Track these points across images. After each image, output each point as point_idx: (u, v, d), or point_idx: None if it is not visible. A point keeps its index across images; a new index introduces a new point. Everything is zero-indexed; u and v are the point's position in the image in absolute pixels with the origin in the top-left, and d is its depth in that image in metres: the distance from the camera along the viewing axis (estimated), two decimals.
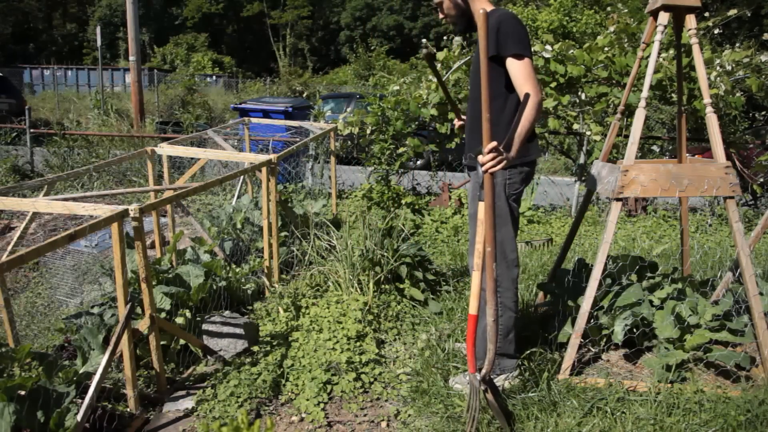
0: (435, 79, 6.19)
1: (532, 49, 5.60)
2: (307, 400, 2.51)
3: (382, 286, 3.49)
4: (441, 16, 2.66)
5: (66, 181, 6.31)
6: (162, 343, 2.73)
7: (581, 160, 6.34)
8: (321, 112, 7.18)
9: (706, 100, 2.63)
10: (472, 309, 2.21)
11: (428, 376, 2.66)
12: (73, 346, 2.69)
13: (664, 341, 2.68)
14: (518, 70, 2.39)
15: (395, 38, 37.77)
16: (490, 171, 2.21)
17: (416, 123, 6.24)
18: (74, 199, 2.70)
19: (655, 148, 6.61)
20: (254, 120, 6.35)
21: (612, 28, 5.77)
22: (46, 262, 4.51)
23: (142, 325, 2.48)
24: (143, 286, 2.43)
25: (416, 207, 5.78)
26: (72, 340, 2.77)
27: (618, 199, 2.59)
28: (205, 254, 3.54)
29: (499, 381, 2.57)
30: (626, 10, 6.61)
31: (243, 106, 8.27)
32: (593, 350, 2.93)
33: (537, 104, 2.36)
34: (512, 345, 2.60)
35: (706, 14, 6.47)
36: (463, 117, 2.86)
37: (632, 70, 2.97)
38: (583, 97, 5.85)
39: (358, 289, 3.44)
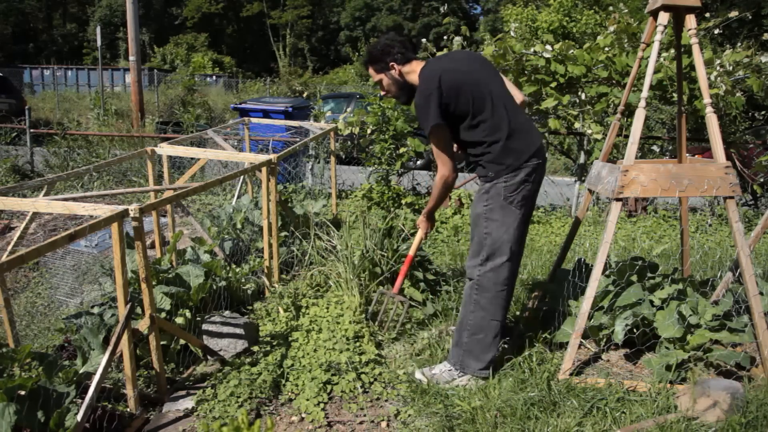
0: None
1: (533, 50, 5.65)
2: (307, 400, 2.51)
3: (383, 286, 3.49)
4: (383, 93, 2.82)
5: (66, 181, 6.31)
6: (162, 343, 2.73)
7: (581, 160, 6.34)
8: (321, 112, 7.17)
9: (706, 100, 2.63)
10: (411, 251, 3.10)
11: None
12: (73, 346, 2.69)
13: (665, 341, 2.68)
14: (432, 144, 2.60)
15: None
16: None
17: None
18: (74, 199, 2.69)
19: (655, 148, 6.61)
20: (254, 120, 6.34)
21: (612, 28, 5.77)
22: (46, 262, 4.51)
23: (142, 325, 2.47)
24: (143, 286, 2.43)
25: (416, 207, 5.78)
26: (72, 340, 2.77)
27: (618, 199, 2.59)
28: (205, 254, 3.54)
29: (464, 380, 2.58)
30: (626, 10, 6.61)
31: (243, 106, 8.26)
32: (593, 350, 2.93)
33: (441, 182, 2.66)
34: (481, 346, 2.59)
35: (707, 14, 6.47)
36: None
37: (632, 70, 2.97)
38: (583, 96, 5.85)
39: (359, 290, 3.44)
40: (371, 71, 2.79)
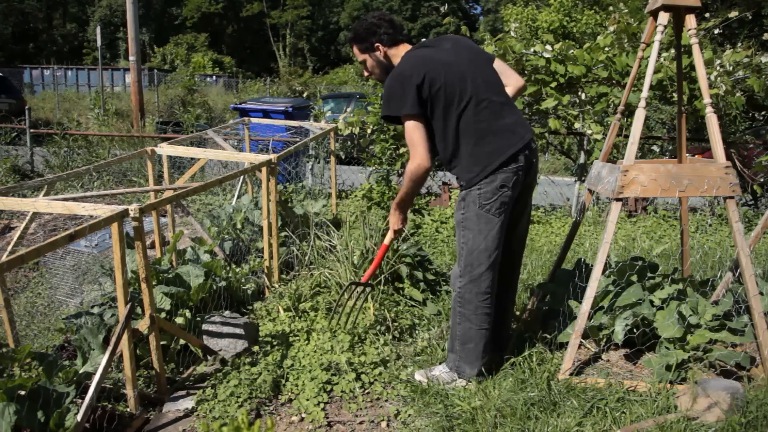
0: None
1: (533, 50, 5.65)
2: (307, 400, 2.51)
3: (382, 286, 3.49)
4: (366, 74, 2.73)
5: (66, 181, 6.31)
6: (162, 343, 2.72)
7: (581, 160, 6.34)
8: (321, 112, 7.17)
9: (706, 100, 2.63)
10: (386, 240, 2.81)
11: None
12: (73, 346, 2.69)
13: (665, 341, 2.68)
14: (406, 131, 2.47)
15: None
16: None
17: None
18: (74, 199, 2.69)
19: (655, 148, 6.61)
20: (254, 120, 6.35)
21: (612, 28, 5.77)
22: (46, 262, 4.51)
23: (142, 325, 2.47)
24: (143, 286, 2.43)
25: (416, 207, 5.78)
26: (72, 340, 2.77)
27: (618, 199, 2.59)
28: (205, 254, 3.54)
29: (463, 381, 2.60)
30: (626, 10, 6.60)
31: (243, 106, 8.27)
32: (593, 350, 2.93)
33: (410, 173, 2.46)
34: (473, 355, 2.56)
35: (707, 14, 6.47)
36: None
37: (632, 70, 2.97)
38: (583, 96, 5.85)
39: None
40: (355, 50, 2.65)
